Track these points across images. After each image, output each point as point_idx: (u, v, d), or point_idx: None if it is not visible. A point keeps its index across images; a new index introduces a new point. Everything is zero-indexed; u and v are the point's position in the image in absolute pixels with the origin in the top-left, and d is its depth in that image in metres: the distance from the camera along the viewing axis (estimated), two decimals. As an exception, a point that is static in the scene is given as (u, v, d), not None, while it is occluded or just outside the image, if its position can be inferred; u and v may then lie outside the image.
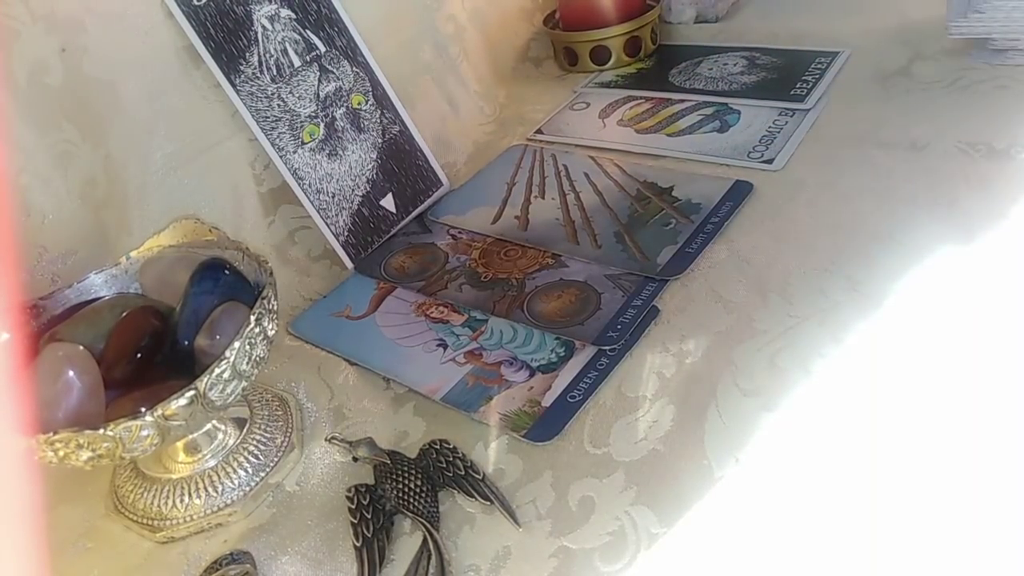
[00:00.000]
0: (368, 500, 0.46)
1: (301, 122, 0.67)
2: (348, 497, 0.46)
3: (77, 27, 0.57)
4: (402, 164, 0.72)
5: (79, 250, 0.57)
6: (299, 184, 0.66)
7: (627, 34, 0.90)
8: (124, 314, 0.49)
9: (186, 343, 0.48)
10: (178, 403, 0.41)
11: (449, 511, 0.46)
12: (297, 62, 0.67)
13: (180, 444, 0.49)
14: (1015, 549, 0.37)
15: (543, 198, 0.72)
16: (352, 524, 0.45)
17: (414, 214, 0.73)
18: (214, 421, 0.50)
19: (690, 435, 0.46)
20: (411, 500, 0.46)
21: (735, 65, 0.85)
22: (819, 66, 0.81)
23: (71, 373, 0.45)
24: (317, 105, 0.68)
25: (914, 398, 0.45)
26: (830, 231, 0.59)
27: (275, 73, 0.66)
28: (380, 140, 0.71)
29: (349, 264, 0.68)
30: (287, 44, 0.67)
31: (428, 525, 0.44)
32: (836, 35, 0.85)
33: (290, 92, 0.66)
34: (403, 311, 0.62)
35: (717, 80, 0.83)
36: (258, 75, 0.65)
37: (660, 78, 0.87)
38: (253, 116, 0.64)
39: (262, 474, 0.50)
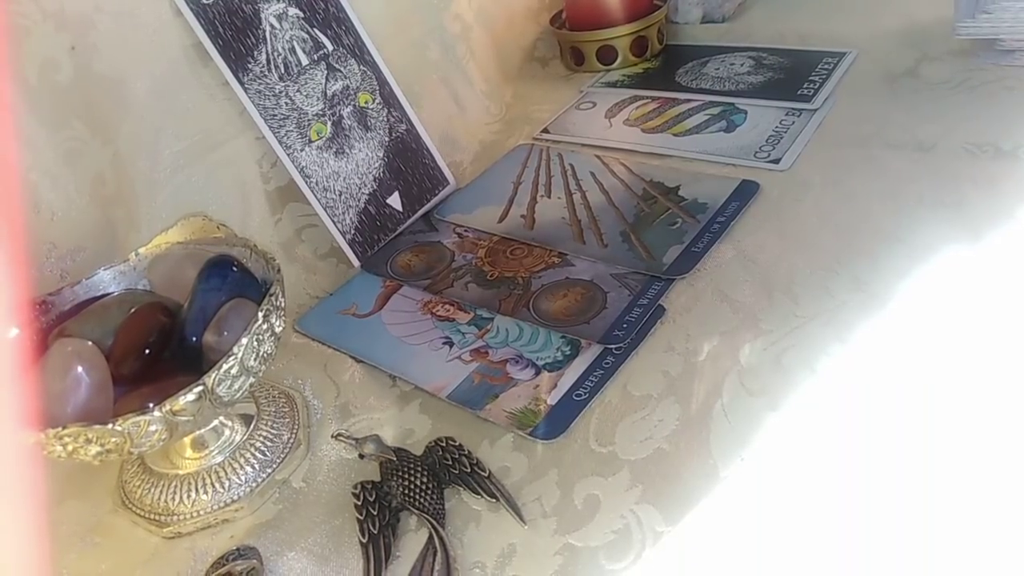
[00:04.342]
0: (374, 497, 0.46)
1: (308, 120, 0.67)
2: (354, 494, 0.47)
3: (87, 25, 0.57)
4: (409, 163, 0.73)
5: (88, 247, 0.57)
6: (306, 182, 0.66)
7: (634, 34, 0.90)
8: (132, 310, 0.49)
9: (194, 339, 0.48)
10: (186, 399, 0.42)
11: (455, 508, 0.46)
12: (305, 60, 0.67)
13: (187, 440, 0.49)
14: (1018, 547, 0.37)
15: (549, 197, 0.72)
16: (358, 520, 0.45)
17: (420, 212, 0.73)
18: (221, 417, 0.50)
19: (695, 434, 0.46)
20: (417, 497, 0.46)
21: (742, 65, 0.85)
22: (826, 66, 0.81)
23: (80, 368, 0.45)
24: (324, 103, 0.68)
25: (920, 398, 0.45)
26: (836, 231, 0.59)
27: (283, 71, 0.66)
28: (387, 139, 0.72)
29: (356, 262, 0.68)
30: (295, 42, 0.67)
31: (434, 522, 0.44)
32: (843, 35, 0.85)
33: (298, 90, 0.67)
34: (409, 309, 0.62)
35: (724, 80, 0.83)
36: (266, 73, 0.65)
37: (666, 78, 0.87)
38: (261, 114, 0.64)
39: (269, 470, 0.50)
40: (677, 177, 0.70)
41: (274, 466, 0.50)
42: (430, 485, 0.46)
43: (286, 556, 0.46)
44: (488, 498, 0.45)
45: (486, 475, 0.46)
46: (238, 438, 0.51)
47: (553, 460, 0.47)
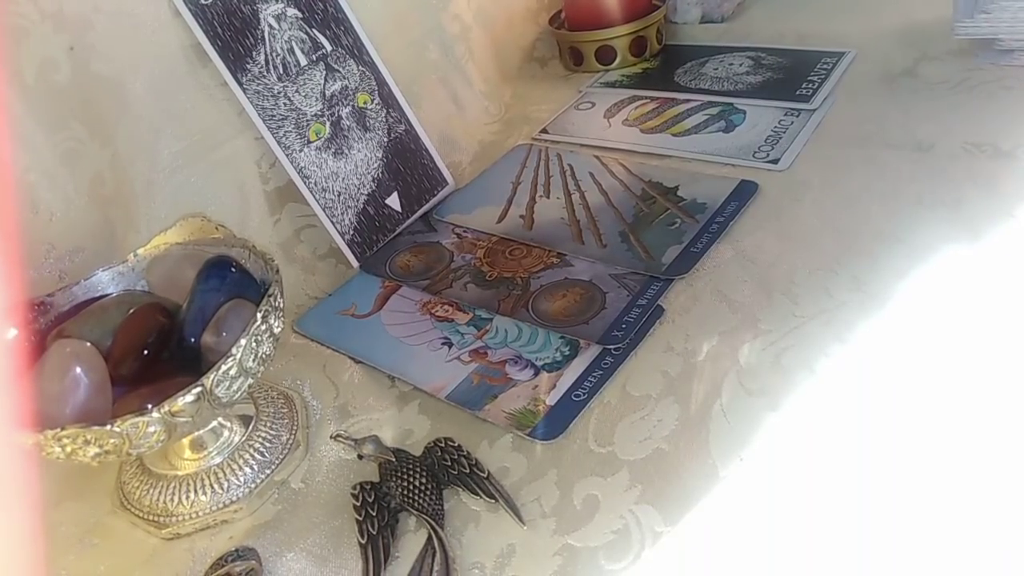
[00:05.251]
0: (373, 498, 0.46)
1: (307, 121, 0.67)
2: (353, 494, 0.47)
3: (85, 25, 0.57)
4: (408, 163, 0.73)
5: (86, 247, 0.57)
6: (305, 183, 0.66)
7: (632, 34, 0.90)
8: (131, 311, 0.49)
9: (193, 340, 0.48)
10: (185, 400, 0.42)
11: (454, 509, 0.46)
12: (303, 61, 0.67)
13: (186, 441, 0.49)
14: (1017, 546, 0.37)
15: (548, 197, 0.72)
16: (357, 521, 0.45)
17: (419, 213, 0.73)
18: (220, 418, 0.50)
19: (694, 434, 0.46)
20: (416, 498, 0.46)
21: (740, 65, 0.85)
22: (825, 66, 0.81)
23: (78, 369, 0.45)
24: (323, 104, 0.68)
25: (919, 398, 0.45)
26: (835, 231, 0.59)
27: (281, 72, 0.66)
28: (386, 139, 0.72)
29: (355, 262, 0.68)
30: (293, 43, 0.67)
31: (433, 523, 0.44)
32: (842, 35, 0.85)
33: (296, 91, 0.66)
34: (408, 309, 0.62)
35: (722, 80, 0.83)
36: (264, 74, 0.65)
37: (665, 78, 0.87)
38: (259, 114, 0.64)
39: (267, 471, 0.50)
40: (676, 177, 0.70)
41: (273, 467, 0.50)
42: (429, 486, 0.46)
43: (285, 557, 0.45)
44: (487, 499, 0.45)
45: (485, 476, 0.46)
46: (237, 439, 0.50)
47: (552, 460, 0.47)
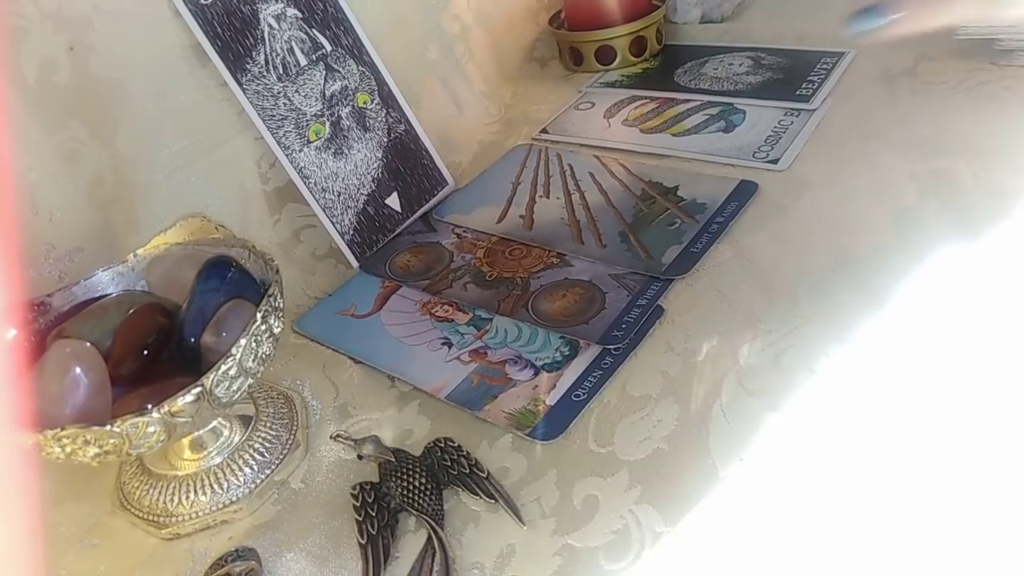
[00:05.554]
0: (373, 498, 0.46)
1: (307, 121, 0.67)
2: (353, 495, 0.47)
3: (85, 25, 0.57)
4: (407, 163, 0.73)
5: (86, 247, 0.57)
6: (305, 183, 0.66)
7: (632, 34, 0.90)
8: (131, 311, 0.49)
9: (192, 340, 0.48)
10: (184, 400, 0.42)
11: (454, 509, 0.46)
12: (303, 61, 0.67)
13: (186, 441, 0.49)
14: (1017, 546, 0.37)
15: (548, 197, 0.72)
16: (357, 521, 0.45)
17: (419, 213, 0.73)
18: (220, 418, 0.50)
19: (694, 434, 0.46)
20: (416, 498, 0.46)
21: (740, 65, 0.85)
22: (825, 66, 0.81)
23: (78, 369, 0.45)
24: (323, 104, 0.68)
25: (919, 398, 0.45)
26: (835, 231, 0.59)
27: (281, 72, 0.66)
28: (386, 139, 0.72)
29: (354, 263, 0.68)
30: (293, 43, 0.67)
31: (433, 523, 0.44)
32: (841, 35, 0.85)
33: (296, 91, 0.67)
34: (408, 310, 0.62)
35: (722, 80, 0.83)
36: (264, 74, 0.65)
37: (665, 78, 0.87)
38: (259, 115, 0.64)
39: (267, 471, 0.50)
40: (676, 177, 0.70)
41: (273, 467, 0.50)
42: (429, 486, 0.46)
43: (285, 557, 0.45)
44: (487, 499, 0.45)
45: (485, 476, 0.46)
46: (237, 439, 0.50)
47: (552, 461, 0.47)
